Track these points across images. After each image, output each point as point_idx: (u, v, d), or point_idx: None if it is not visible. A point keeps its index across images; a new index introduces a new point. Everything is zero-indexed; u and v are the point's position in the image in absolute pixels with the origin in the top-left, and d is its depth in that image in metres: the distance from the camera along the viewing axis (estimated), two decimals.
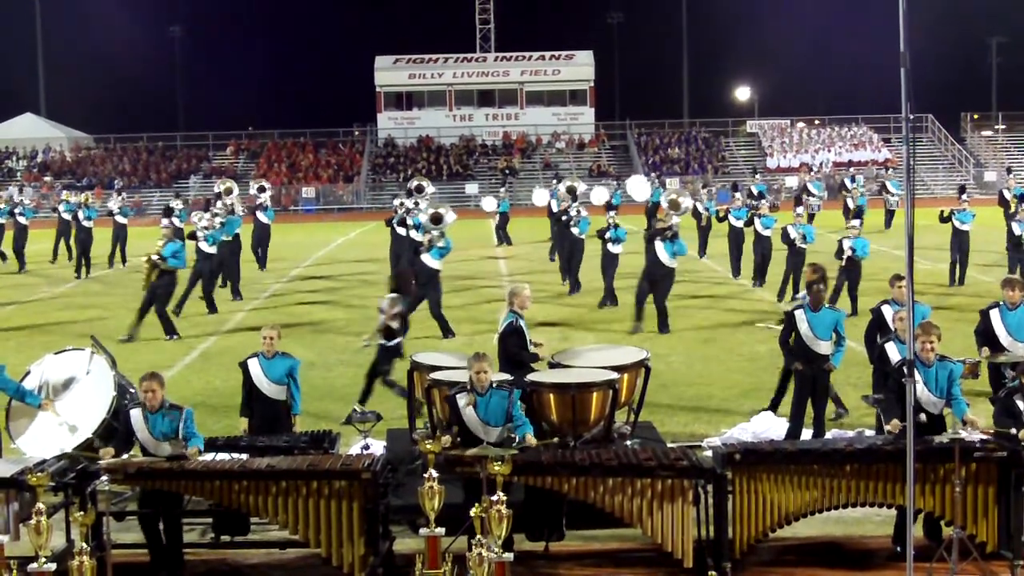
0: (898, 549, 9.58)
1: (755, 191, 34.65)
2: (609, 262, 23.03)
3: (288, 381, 11.30)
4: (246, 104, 78.13)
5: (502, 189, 41.28)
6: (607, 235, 22.67)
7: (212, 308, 23.54)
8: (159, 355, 18.67)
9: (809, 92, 78.14)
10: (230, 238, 25.54)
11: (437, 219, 21.61)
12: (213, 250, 23.82)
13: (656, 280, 20.01)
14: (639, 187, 34.24)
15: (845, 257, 20.80)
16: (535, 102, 69.72)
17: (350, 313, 15.08)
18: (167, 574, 9.37)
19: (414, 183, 30.72)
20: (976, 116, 68.77)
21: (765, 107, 77.45)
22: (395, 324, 14.07)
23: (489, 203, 41.77)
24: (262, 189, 31.73)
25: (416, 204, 26.38)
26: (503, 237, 37.48)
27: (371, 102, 70.30)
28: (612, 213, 23.38)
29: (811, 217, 34.72)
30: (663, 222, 20.43)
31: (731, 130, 69.22)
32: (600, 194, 36.11)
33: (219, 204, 27.34)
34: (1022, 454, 9.17)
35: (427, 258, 20.54)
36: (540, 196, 38.24)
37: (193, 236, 23.72)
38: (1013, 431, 9.37)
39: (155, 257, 20.47)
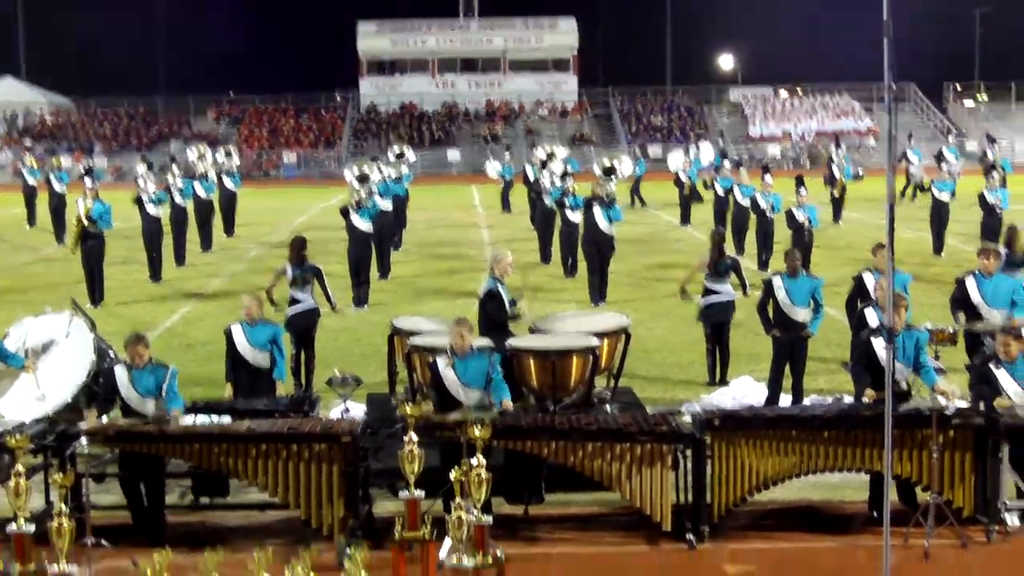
0: (875, 514, 9.67)
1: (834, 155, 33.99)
2: (569, 230, 22.33)
3: (271, 347, 11.38)
4: (227, 68, 77.37)
5: (507, 154, 40.34)
6: (566, 202, 22.02)
7: (156, 275, 22.97)
8: (138, 319, 18.60)
9: (792, 60, 77.83)
10: (184, 202, 25.42)
11: (363, 178, 21.06)
12: (159, 212, 23.33)
13: (598, 246, 20.07)
14: (674, 159, 34.20)
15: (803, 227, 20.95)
16: (518, 69, 69.43)
17: (330, 279, 15.09)
18: (148, 536, 9.37)
19: (396, 149, 30.67)
20: (959, 86, 68.70)
21: (748, 74, 77.29)
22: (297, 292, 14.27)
23: (493, 168, 40.65)
24: (228, 155, 31.61)
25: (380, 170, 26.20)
26: (508, 203, 36.66)
27: (353, 68, 69.86)
28: (570, 181, 22.65)
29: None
30: (600, 187, 20.34)
31: (714, 97, 69.02)
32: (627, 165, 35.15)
33: (174, 168, 27.11)
34: (999, 421, 9.25)
35: (356, 219, 20.12)
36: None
37: (139, 201, 23.13)
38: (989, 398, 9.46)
39: (85, 221, 20.12)
